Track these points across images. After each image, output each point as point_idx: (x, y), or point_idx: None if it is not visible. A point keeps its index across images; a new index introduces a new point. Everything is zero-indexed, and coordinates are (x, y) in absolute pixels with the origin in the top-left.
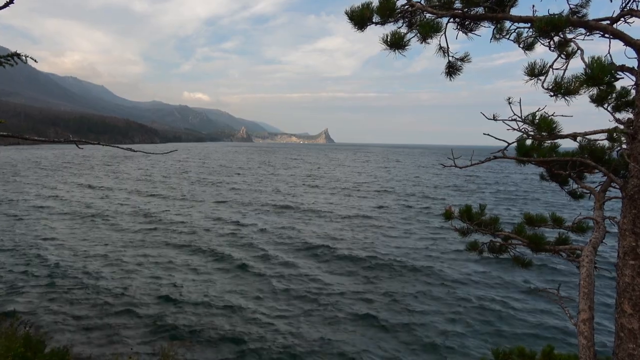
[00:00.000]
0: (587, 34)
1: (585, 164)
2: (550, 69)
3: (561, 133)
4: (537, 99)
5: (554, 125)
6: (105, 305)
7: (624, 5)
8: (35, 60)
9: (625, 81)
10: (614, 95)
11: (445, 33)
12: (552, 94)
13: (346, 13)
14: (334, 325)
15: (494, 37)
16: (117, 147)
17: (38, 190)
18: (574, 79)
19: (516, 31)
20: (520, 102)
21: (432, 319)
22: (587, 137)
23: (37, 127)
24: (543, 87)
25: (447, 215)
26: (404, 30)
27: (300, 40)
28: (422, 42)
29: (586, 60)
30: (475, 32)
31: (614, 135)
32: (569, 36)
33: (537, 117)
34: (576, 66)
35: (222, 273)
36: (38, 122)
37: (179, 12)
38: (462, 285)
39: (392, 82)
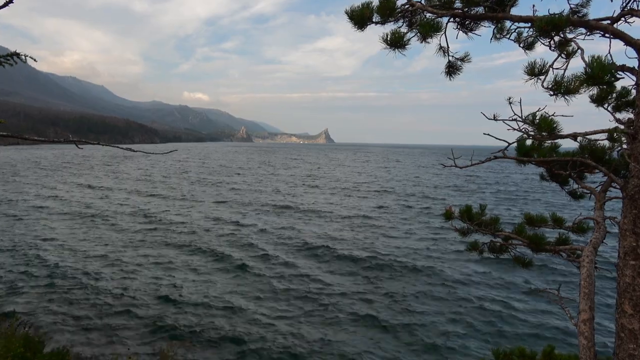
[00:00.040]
0: (588, 33)
1: (586, 164)
2: (551, 69)
3: (561, 133)
4: (537, 99)
5: (555, 125)
6: (105, 305)
7: (624, 5)
8: (34, 60)
9: (625, 81)
10: (614, 95)
11: (445, 33)
12: (552, 93)
13: (346, 13)
14: (335, 325)
15: (494, 37)
16: (117, 147)
17: (37, 191)
18: (574, 78)
19: (516, 31)
20: (520, 102)
21: (432, 319)
22: (588, 137)
23: (36, 127)
24: (543, 86)
25: (448, 216)
26: (404, 29)
27: (300, 40)
28: (422, 42)
29: (586, 59)
30: (476, 32)
31: (615, 135)
32: (570, 36)
33: (538, 117)
34: (576, 65)
35: (222, 273)
36: (37, 122)
37: (179, 12)
38: (463, 285)
39: (392, 81)
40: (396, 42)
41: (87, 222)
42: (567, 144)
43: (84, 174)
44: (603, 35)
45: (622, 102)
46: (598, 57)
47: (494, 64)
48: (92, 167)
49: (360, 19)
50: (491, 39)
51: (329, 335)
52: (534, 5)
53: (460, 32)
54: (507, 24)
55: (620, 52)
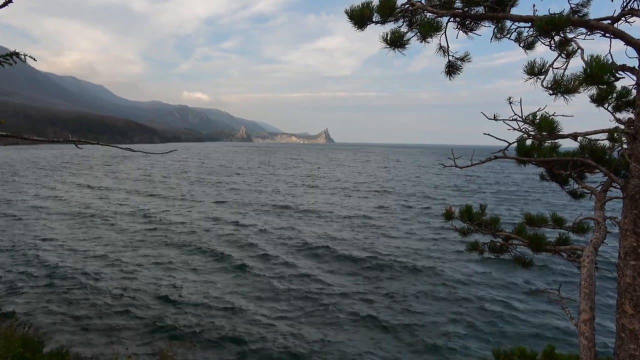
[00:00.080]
0: (588, 33)
1: (586, 164)
2: (550, 68)
3: (562, 133)
4: (537, 98)
5: (555, 125)
6: (105, 305)
7: (624, 4)
8: (34, 59)
9: (625, 81)
10: (614, 95)
11: (445, 32)
12: (551, 92)
13: (346, 12)
14: (335, 326)
15: (494, 37)
16: (116, 147)
17: (37, 191)
18: (573, 78)
19: (517, 30)
20: (520, 102)
21: (433, 320)
22: (588, 137)
23: (35, 127)
24: (542, 85)
25: (448, 216)
26: (404, 29)
27: (300, 39)
28: (422, 41)
29: (586, 59)
30: (476, 32)
31: (615, 135)
32: (570, 35)
33: (538, 117)
34: (576, 65)
35: (222, 273)
36: (37, 122)
37: (179, 11)
38: (463, 285)
39: (392, 81)
40: (396, 42)
41: (87, 222)
42: (567, 144)
43: (84, 173)
44: (603, 35)
45: (622, 102)
46: (597, 56)
47: (494, 64)
48: (91, 167)
49: (360, 18)
50: (491, 38)
51: (329, 335)
52: (534, 5)
53: (461, 31)
54: (508, 23)
55: (620, 52)
